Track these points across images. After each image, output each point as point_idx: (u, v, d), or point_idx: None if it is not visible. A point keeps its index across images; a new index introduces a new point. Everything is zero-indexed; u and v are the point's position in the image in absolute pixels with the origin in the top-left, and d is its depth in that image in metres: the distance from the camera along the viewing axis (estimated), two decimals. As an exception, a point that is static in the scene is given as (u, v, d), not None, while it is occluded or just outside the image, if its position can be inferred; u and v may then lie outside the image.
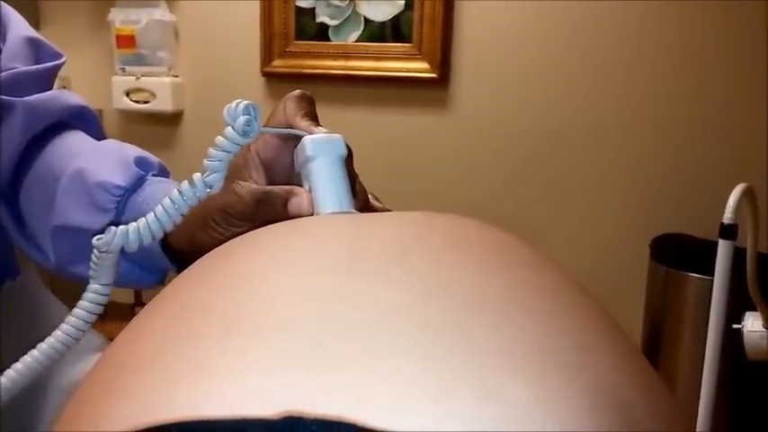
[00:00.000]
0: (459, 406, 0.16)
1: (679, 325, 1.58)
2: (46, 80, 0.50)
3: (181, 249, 0.40)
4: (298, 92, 0.37)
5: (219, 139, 0.31)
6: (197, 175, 0.31)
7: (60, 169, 0.44)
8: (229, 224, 0.36)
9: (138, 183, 0.43)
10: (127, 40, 2.00)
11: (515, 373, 0.17)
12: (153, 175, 0.45)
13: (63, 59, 0.52)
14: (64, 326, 0.33)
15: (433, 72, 1.79)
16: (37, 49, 0.50)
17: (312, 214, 0.32)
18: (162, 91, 2.03)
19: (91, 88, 2.08)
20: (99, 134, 0.51)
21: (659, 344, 1.63)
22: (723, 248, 0.88)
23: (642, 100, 1.74)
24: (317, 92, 0.38)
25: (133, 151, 0.45)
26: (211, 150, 0.31)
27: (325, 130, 0.34)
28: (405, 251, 0.21)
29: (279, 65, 1.93)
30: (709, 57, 1.67)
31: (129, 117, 2.11)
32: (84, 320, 0.33)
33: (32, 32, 0.50)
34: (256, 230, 0.27)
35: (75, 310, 0.33)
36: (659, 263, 1.60)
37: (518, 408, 0.16)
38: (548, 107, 1.80)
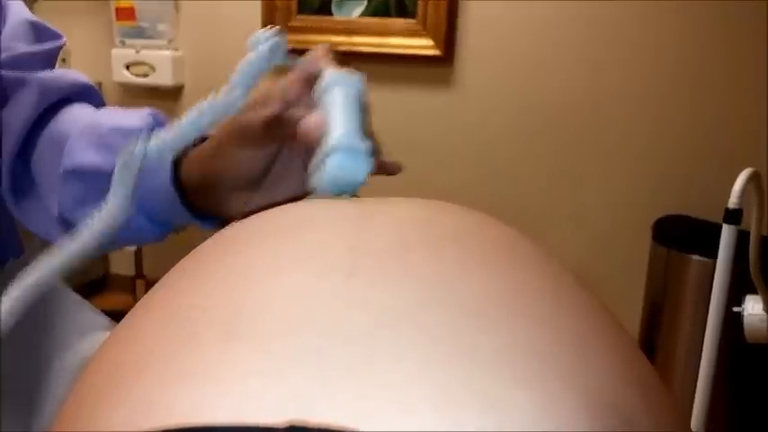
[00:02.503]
0: (460, 413, 0.16)
1: (679, 306, 1.58)
2: (48, 61, 0.50)
3: (191, 183, 0.40)
4: (326, 44, 0.38)
5: (245, 58, 0.32)
6: (222, 89, 0.33)
7: (72, 128, 0.45)
8: (241, 146, 0.36)
9: (153, 128, 0.43)
10: (126, 13, 1.98)
11: (515, 380, 0.17)
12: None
13: (63, 40, 0.52)
14: (79, 236, 0.32)
15: (438, 49, 1.77)
16: (37, 31, 0.50)
17: (322, 136, 0.32)
18: (162, 64, 2.01)
19: (90, 61, 2.06)
20: None
21: (659, 325, 1.64)
22: (727, 233, 0.88)
23: (647, 81, 1.72)
24: (318, 67, 0.39)
25: (147, 108, 0.46)
26: (236, 68, 0.32)
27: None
28: (405, 250, 0.21)
29: (281, 39, 1.91)
30: (713, 39, 1.65)
31: (129, 90, 2.10)
32: (94, 238, 0.32)
33: (32, 15, 0.50)
34: (253, 221, 0.26)
35: (89, 225, 0.32)
36: (661, 244, 1.60)
37: (519, 415, 0.16)
38: (553, 86, 1.78)
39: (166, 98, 2.08)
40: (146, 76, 2.03)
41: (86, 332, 0.50)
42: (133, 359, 0.18)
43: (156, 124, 0.44)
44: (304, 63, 0.37)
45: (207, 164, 0.38)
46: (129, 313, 0.23)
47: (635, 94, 1.73)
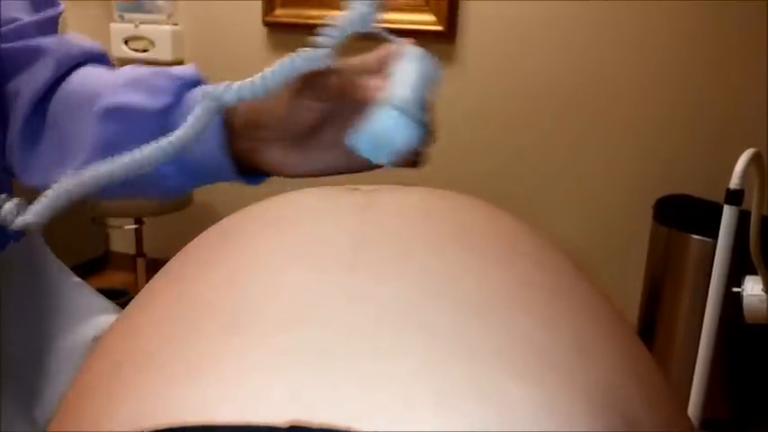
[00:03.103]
0: (460, 411, 0.16)
1: (679, 286, 1.58)
2: (51, 28, 0.49)
3: (235, 124, 0.39)
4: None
5: (333, 18, 0.32)
6: (305, 50, 0.32)
7: (99, 81, 0.43)
8: (299, 92, 0.36)
9: (197, 81, 0.42)
10: (125, -13, 1.96)
11: (515, 376, 0.17)
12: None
13: (62, 7, 0.51)
14: (134, 153, 0.32)
15: (440, 25, 1.75)
16: (33, 0, 0.49)
17: (379, 99, 0.32)
18: (161, 39, 1.99)
19: (89, 36, 2.04)
20: None
21: (658, 304, 1.64)
22: (728, 214, 0.87)
23: (651, 62, 1.70)
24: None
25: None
26: (326, 29, 0.32)
27: None
28: (408, 244, 0.21)
29: (281, 14, 1.89)
30: (719, 19, 1.63)
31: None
32: (153, 157, 0.33)
33: None
34: (257, 209, 0.26)
35: (152, 146, 0.33)
36: (661, 224, 1.60)
37: (518, 411, 0.16)
38: (556, 64, 1.77)
39: (166, 74, 2.07)
40: (145, 51, 2.01)
41: (88, 315, 0.50)
42: (137, 354, 0.18)
43: (201, 77, 0.43)
44: (395, 42, 0.37)
45: (256, 105, 0.37)
46: (133, 301, 0.23)
47: (639, 73, 1.72)
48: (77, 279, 0.53)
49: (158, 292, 0.21)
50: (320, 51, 0.33)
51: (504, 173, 1.84)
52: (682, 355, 1.56)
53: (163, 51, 2.00)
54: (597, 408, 0.17)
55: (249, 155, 0.40)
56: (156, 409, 0.16)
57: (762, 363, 1.57)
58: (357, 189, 0.28)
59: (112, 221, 2.15)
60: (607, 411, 0.17)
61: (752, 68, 1.62)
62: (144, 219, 2.03)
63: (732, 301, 1.02)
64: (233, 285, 0.19)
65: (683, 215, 1.61)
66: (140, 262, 2.06)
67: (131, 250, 2.12)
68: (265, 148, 0.39)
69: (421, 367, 0.16)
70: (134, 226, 2.04)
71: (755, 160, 0.84)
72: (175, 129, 0.39)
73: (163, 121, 0.40)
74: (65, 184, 0.32)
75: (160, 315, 0.20)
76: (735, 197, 0.86)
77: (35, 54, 0.45)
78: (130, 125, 0.40)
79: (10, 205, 0.30)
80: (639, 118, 1.74)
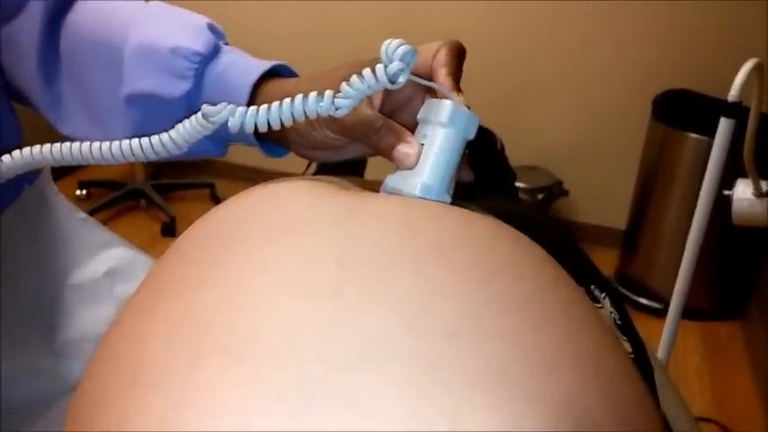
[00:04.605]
0: None
1: (672, 182, 1.60)
2: None
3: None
4: (456, 44, 0.35)
5: (368, 72, 0.31)
6: (329, 93, 0.31)
7: (113, 36, 0.42)
8: (324, 126, 0.36)
9: (215, 51, 0.41)
10: None
11: (484, 404, 0.19)
12: (224, 44, 0.43)
13: None
14: (105, 144, 0.32)
15: None
16: None
17: (412, 168, 0.33)
18: None
19: None
20: None
21: (650, 199, 1.67)
22: (724, 126, 0.87)
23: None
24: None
25: (198, 17, 0.43)
26: (355, 78, 0.31)
27: (463, 101, 0.33)
28: (388, 265, 0.22)
29: None
30: None
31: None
32: (134, 153, 0.32)
33: None
34: (245, 211, 0.27)
35: (140, 140, 0.32)
36: (659, 121, 1.58)
37: None
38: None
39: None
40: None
41: (95, 250, 0.52)
42: (148, 372, 0.21)
43: (217, 43, 0.42)
44: (423, 60, 0.35)
45: None
46: (136, 297, 0.25)
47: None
48: (83, 215, 0.54)
49: (160, 302, 0.23)
50: (340, 103, 0.31)
51: (503, 64, 1.80)
52: (669, 249, 1.61)
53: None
54: (551, 419, 0.19)
55: (278, 142, 0.41)
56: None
57: (743, 259, 1.63)
58: (347, 188, 0.30)
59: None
60: (561, 421, 0.19)
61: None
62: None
63: (722, 202, 1.03)
64: (229, 310, 0.21)
65: (682, 111, 1.60)
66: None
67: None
68: (294, 144, 0.40)
69: (400, 402, 0.18)
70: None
71: (757, 71, 0.83)
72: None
73: (186, 104, 0.40)
74: (39, 151, 0.32)
75: (165, 332, 0.22)
76: (733, 110, 0.85)
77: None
78: (154, 111, 0.40)
79: None
80: (645, 10, 1.68)
